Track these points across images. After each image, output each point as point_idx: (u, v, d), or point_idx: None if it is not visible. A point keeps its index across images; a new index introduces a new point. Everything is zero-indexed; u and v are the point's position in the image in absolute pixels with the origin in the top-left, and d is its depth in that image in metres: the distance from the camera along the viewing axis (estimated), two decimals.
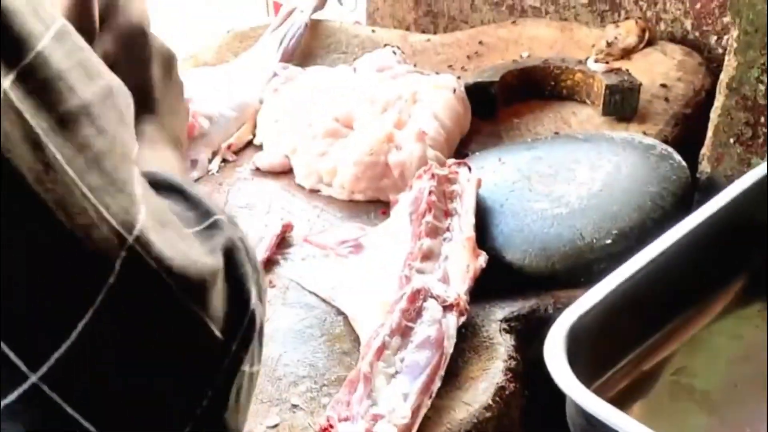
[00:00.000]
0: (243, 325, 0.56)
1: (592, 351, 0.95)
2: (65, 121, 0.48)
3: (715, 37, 1.68)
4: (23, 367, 0.46)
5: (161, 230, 0.52)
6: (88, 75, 0.52)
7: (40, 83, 0.47)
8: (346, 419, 0.97)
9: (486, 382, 1.08)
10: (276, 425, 1.06)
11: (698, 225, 1.04)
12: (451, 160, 1.33)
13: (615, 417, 0.81)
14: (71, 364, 0.47)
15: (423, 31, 2.04)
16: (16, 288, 0.46)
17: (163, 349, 0.51)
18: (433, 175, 1.26)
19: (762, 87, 1.22)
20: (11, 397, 0.47)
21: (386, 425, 0.97)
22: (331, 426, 0.97)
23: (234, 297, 0.56)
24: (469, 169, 1.30)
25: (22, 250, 0.46)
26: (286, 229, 1.35)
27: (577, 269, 1.18)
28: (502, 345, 1.13)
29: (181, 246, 0.53)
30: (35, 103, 0.47)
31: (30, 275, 0.46)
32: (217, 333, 0.54)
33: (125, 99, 0.56)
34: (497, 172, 1.35)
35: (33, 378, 0.47)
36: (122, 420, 0.50)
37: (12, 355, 0.46)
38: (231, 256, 0.58)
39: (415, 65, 1.69)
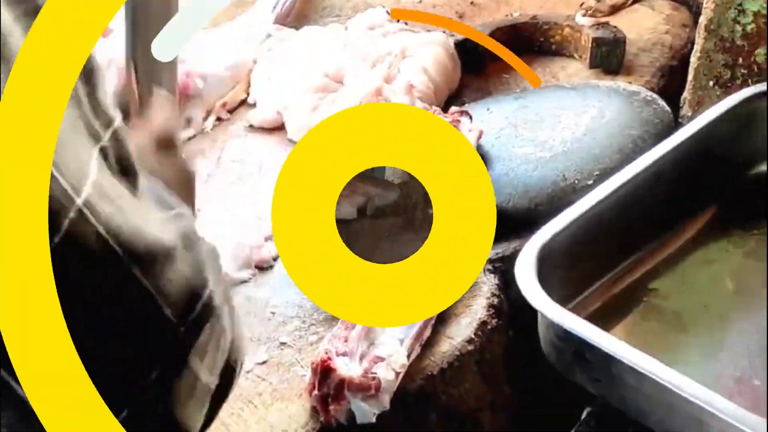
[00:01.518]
0: (195, 311, 0.56)
1: (565, 273, 0.97)
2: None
3: None
4: None
5: (111, 200, 0.52)
6: None
7: None
8: (344, 354, 0.99)
9: (469, 317, 1.10)
10: (265, 361, 1.08)
11: (668, 152, 1.06)
12: (454, 108, 1.33)
13: (582, 327, 0.83)
14: None
15: None
16: None
17: (107, 313, 0.51)
18: None
19: (739, 28, 1.23)
20: None
21: (386, 369, 0.99)
22: (329, 359, 0.98)
23: (188, 281, 0.56)
24: (470, 118, 1.31)
25: None
26: None
27: (559, 210, 1.18)
28: (486, 284, 1.15)
29: (134, 218, 0.53)
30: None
31: None
32: (167, 311, 0.54)
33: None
34: (484, 121, 1.36)
35: None
36: None
37: None
38: (189, 243, 0.58)
39: (406, 23, 1.71)
